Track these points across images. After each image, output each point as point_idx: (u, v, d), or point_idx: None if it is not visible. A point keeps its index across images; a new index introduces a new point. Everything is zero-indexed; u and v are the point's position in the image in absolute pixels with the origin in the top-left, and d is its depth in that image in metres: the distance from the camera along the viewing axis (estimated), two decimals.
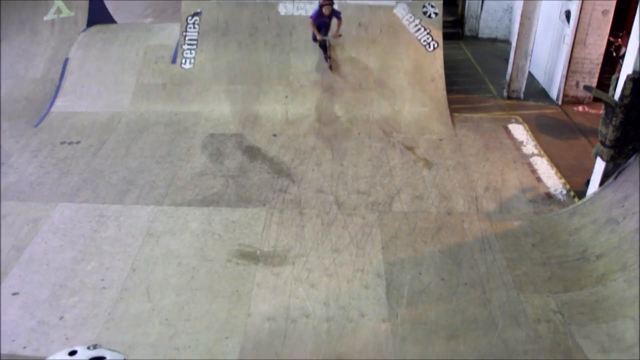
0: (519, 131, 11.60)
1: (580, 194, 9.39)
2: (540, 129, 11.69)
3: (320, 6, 11.93)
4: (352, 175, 10.03)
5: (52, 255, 8.37)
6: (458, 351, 6.86)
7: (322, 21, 12.30)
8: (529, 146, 11.06)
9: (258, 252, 8.37)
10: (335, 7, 12.27)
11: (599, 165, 8.82)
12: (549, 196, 9.57)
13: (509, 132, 11.53)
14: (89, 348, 1.76)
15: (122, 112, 12.06)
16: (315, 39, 12.73)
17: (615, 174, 8.62)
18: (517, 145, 11.09)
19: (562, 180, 9.95)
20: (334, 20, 12.41)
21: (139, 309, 7.46)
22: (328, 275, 7.95)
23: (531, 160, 10.61)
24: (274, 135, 11.27)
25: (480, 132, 11.44)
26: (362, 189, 9.68)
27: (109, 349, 1.79)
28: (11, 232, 8.86)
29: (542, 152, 10.81)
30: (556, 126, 11.86)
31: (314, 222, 8.92)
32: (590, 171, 9.17)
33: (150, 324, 7.26)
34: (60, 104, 12.35)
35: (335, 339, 7.06)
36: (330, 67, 12.65)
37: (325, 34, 12.49)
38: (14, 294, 7.76)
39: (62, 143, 11.16)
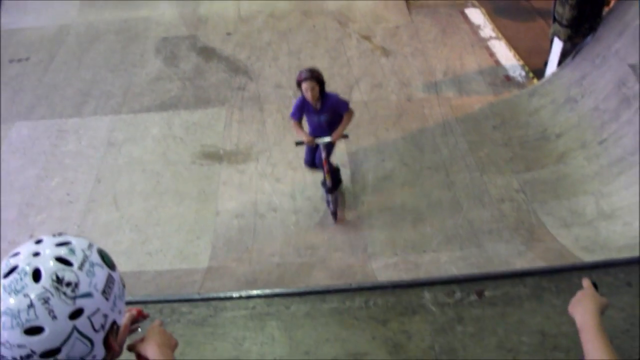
0: (476, 15, 11.49)
1: (539, 75, 9.41)
2: (498, 12, 11.59)
3: (298, 83, 6.78)
4: None
5: (14, 176, 8.26)
6: (425, 233, 7.00)
7: (312, 120, 6.99)
8: (487, 30, 10.99)
9: (221, 151, 8.35)
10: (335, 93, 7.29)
11: (557, 46, 8.82)
12: (507, 78, 9.59)
13: (465, 17, 11.42)
14: (54, 235, 1.76)
15: (70, 23, 11.68)
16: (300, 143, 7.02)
17: (573, 53, 8.64)
18: (475, 29, 11.02)
19: (521, 62, 9.95)
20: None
21: (108, 219, 7.47)
22: (292, 168, 7.98)
23: (489, 43, 10.57)
24: (228, 33, 11.05)
25: (436, 18, 11.31)
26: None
27: (74, 236, 1.80)
28: None
29: (500, 35, 10.75)
30: (513, 9, 11.74)
31: (275, 117, 8.88)
32: (548, 52, 9.18)
33: (120, 232, 7.29)
34: (4, 20, 11.91)
35: (304, 230, 7.17)
36: (335, 216, 7.35)
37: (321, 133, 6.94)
38: None
39: (11, 61, 10.83)
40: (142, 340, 2.06)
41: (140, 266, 6.83)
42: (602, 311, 2.16)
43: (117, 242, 7.14)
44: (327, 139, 6.78)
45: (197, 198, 7.68)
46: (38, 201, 7.85)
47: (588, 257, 6.13)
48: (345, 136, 7.04)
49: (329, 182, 7.04)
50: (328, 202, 7.23)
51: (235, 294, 4.77)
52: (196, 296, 4.91)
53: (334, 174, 7.28)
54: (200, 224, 7.32)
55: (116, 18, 11.68)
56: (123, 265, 6.68)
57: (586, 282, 2.30)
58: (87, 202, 7.75)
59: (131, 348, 2.06)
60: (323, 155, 6.86)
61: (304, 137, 6.79)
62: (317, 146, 6.95)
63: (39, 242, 1.71)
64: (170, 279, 6.60)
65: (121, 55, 10.66)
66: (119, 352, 1.93)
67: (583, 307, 2.17)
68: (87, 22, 11.67)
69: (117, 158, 8.38)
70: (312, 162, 7.25)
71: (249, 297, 4.72)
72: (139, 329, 2.16)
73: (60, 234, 1.77)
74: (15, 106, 9.61)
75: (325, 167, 6.91)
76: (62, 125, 9.10)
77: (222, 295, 4.87)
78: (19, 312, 1.53)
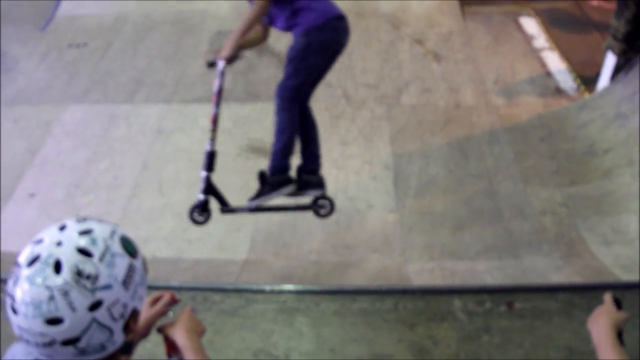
0: (530, 25, 11.36)
1: (590, 88, 9.29)
2: (552, 23, 11.44)
3: None
4: (361, 69, 9.94)
5: (65, 157, 8.48)
6: (464, 241, 6.98)
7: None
8: (540, 40, 10.87)
9: (268, 145, 8.37)
10: None
11: (610, 60, 8.69)
12: (558, 90, 9.49)
13: (519, 26, 11.31)
14: (78, 221, 1.84)
15: (128, 12, 11.89)
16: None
17: (626, 68, 8.51)
18: (528, 38, 10.90)
19: (573, 75, 9.82)
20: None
21: (151, 204, 7.62)
22: (337, 167, 8.02)
23: (542, 53, 10.45)
24: None
25: (490, 25, 11.22)
26: (371, 82, 9.63)
27: (97, 221, 1.87)
28: (24, 135, 8.96)
29: (553, 46, 10.61)
30: (569, 20, 11.57)
31: (322, 116, 8.87)
32: (601, 66, 9.05)
33: (163, 218, 7.42)
34: (65, 6, 12.17)
35: (343, 229, 7.20)
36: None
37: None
38: (30, 195, 7.93)
39: (70, 46, 11.08)
40: (171, 324, 2.14)
41: (180, 253, 6.96)
42: (620, 327, 2.17)
43: (158, 227, 7.28)
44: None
45: (240, 190, 7.73)
46: (86, 183, 8.04)
47: (627, 277, 6.06)
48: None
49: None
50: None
51: (267, 287, 4.85)
52: (229, 286, 5.01)
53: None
54: (242, 216, 7.38)
55: (173, 9, 11.85)
56: (163, 250, 6.90)
57: (607, 297, 2.31)
58: (132, 187, 7.91)
59: (160, 330, 2.14)
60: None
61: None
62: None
63: (62, 228, 1.78)
64: (207, 268, 6.71)
65: (176, 46, 10.83)
66: (147, 333, 2.01)
67: (599, 323, 2.19)
68: (144, 12, 11.86)
69: (165, 146, 8.53)
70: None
71: (281, 292, 4.79)
72: (171, 313, 2.24)
73: (85, 219, 1.84)
74: (70, 89, 9.85)
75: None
76: (114, 110, 9.29)
77: (254, 287, 4.96)
78: (40, 303, 1.62)
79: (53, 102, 9.61)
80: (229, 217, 7.32)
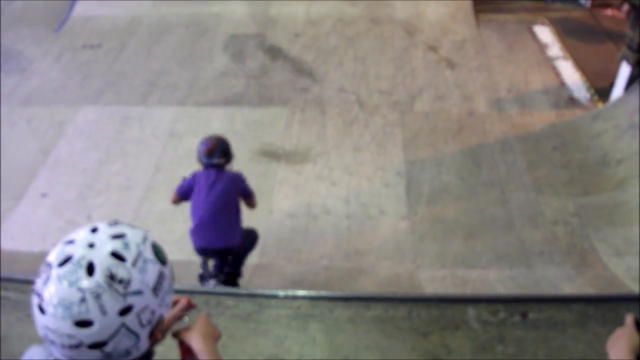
0: (544, 33, 11.36)
1: (604, 98, 9.26)
2: (567, 32, 11.43)
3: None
4: (374, 75, 9.96)
5: (77, 157, 8.53)
6: (475, 249, 6.97)
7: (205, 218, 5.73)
8: (554, 49, 10.85)
9: (280, 150, 8.45)
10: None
11: (624, 70, 8.65)
12: (572, 100, 9.47)
13: (534, 34, 11.30)
14: (110, 225, 1.83)
15: (142, 14, 11.94)
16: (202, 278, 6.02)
17: None
18: (542, 47, 10.89)
19: (586, 84, 9.79)
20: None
21: (163, 207, 7.60)
22: (349, 173, 8.03)
23: (556, 63, 10.43)
24: (296, 35, 11.15)
25: (504, 33, 11.22)
26: (384, 88, 9.64)
27: (129, 225, 1.87)
28: (37, 135, 9.01)
29: (567, 56, 10.60)
30: (583, 30, 11.57)
31: (336, 121, 8.94)
32: (615, 75, 9.03)
33: (174, 221, 7.41)
34: (80, 8, 12.21)
35: (355, 235, 7.21)
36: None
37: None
38: (42, 195, 7.96)
39: (84, 47, 11.14)
40: (187, 329, 2.14)
41: (191, 256, 6.91)
42: (638, 351, 2.16)
43: (170, 230, 7.28)
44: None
45: None
46: (98, 184, 8.08)
47: (638, 288, 6.04)
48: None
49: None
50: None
51: (281, 293, 4.83)
52: (243, 291, 5.01)
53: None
54: (253, 220, 7.37)
55: (187, 12, 11.88)
56: (175, 253, 6.82)
57: (629, 319, 2.29)
58: (144, 190, 7.94)
59: (176, 335, 2.14)
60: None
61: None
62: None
63: (94, 230, 1.77)
64: None
65: (190, 49, 10.86)
66: (162, 338, 2.02)
67: (619, 346, 2.17)
68: (159, 14, 11.90)
69: (178, 149, 8.55)
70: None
71: (295, 297, 4.77)
72: (186, 318, 2.24)
73: (116, 223, 1.83)
74: (84, 90, 9.90)
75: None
76: (128, 112, 9.33)
77: (268, 292, 4.94)
78: (71, 304, 1.61)
79: (66, 102, 9.65)
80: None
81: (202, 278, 5.90)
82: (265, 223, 7.34)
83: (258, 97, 9.54)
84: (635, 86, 8.44)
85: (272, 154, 8.38)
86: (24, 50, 11.19)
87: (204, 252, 5.79)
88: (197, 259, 6.13)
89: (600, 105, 9.13)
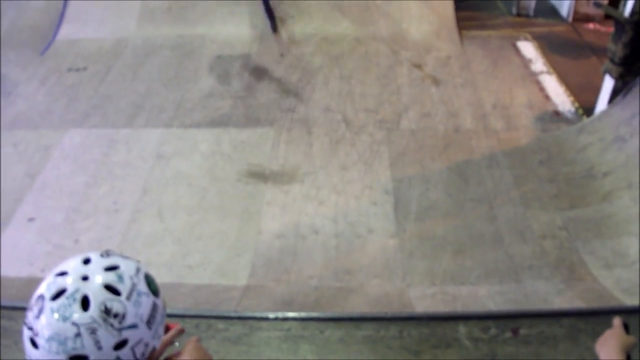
0: (528, 49, 11.45)
1: (589, 111, 9.32)
2: (550, 46, 11.54)
3: None
4: (360, 94, 9.99)
5: (64, 181, 8.48)
6: (465, 266, 6.98)
7: None
8: (538, 64, 10.94)
9: (267, 171, 8.44)
10: None
11: (608, 83, 8.73)
12: (557, 114, 9.53)
13: (517, 50, 11.39)
14: (102, 255, 1.81)
15: (128, 36, 11.96)
16: None
17: (624, 92, 8.55)
18: (526, 63, 10.98)
19: (571, 98, 9.87)
20: None
21: (151, 230, 7.60)
22: (336, 192, 8.03)
23: (540, 78, 10.51)
24: (281, 55, 11.19)
25: (488, 49, 11.30)
26: (370, 107, 9.66)
27: (121, 256, 1.84)
28: (23, 159, 8.95)
29: (551, 70, 10.70)
30: (566, 44, 11.68)
31: (322, 141, 8.95)
32: (599, 89, 9.11)
33: (163, 243, 7.41)
34: (65, 31, 12.23)
35: (344, 254, 7.20)
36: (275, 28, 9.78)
37: None
38: (29, 219, 7.90)
39: (69, 70, 11.13)
40: (178, 354, 2.11)
41: (180, 278, 6.93)
42: (629, 351, 2.16)
43: (159, 253, 7.26)
44: None
45: (240, 216, 7.77)
46: (85, 207, 8.03)
47: (629, 300, 6.05)
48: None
49: None
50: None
51: (271, 315, 4.81)
52: (233, 314, 4.97)
53: None
54: (242, 242, 7.40)
55: (173, 34, 11.91)
56: (163, 276, 6.84)
57: (617, 322, 2.30)
58: (132, 212, 7.89)
59: None
60: None
61: None
62: None
63: (87, 261, 1.74)
64: (208, 294, 6.68)
65: (175, 71, 10.86)
66: None
67: (609, 345, 2.17)
68: (144, 36, 11.92)
69: (165, 171, 8.53)
70: None
71: (285, 319, 4.75)
72: (177, 344, 2.22)
73: (108, 254, 1.81)
74: (70, 114, 9.86)
75: None
76: (114, 135, 9.30)
77: (258, 315, 4.92)
78: (65, 339, 1.57)
79: (52, 126, 9.60)
80: (229, 243, 7.35)
81: None
82: (254, 244, 7.33)
83: (244, 118, 9.54)
84: (619, 99, 8.50)
85: (259, 175, 8.37)
86: (9, 73, 11.16)
87: None
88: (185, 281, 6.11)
89: (584, 119, 9.17)
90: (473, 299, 6.42)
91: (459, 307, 6.23)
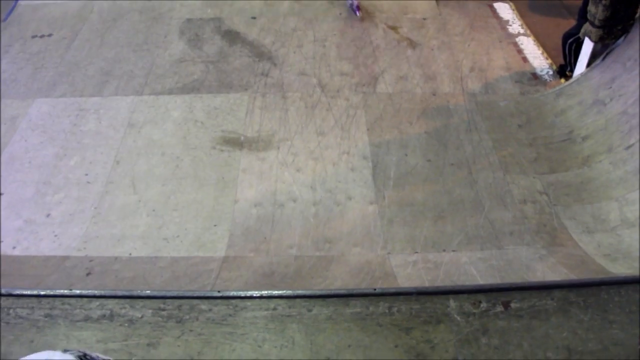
0: (504, 10, 11.30)
1: (566, 74, 9.28)
2: (527, 7, 11.37)
3: None
4: (335, 57, 9.80)
5: (33, 153, 8.24)
6: (445, 232, 6.92)
7: None
8: (515, 25, 10.80)
9: (242, 137, 8.27)
10: None
11: (587, 46, 8.65)
12: (535, 76, 9.43)
13: (494, 11, 11.23)
14: (79, 358, 1.66)
15: (93, 0, 11.61)
16: None
17: (604, 55, 8.49)
18: (503, 24, 10.83)
19: (549, 61, 9.77)
20: None
21: (125, 202, 7.43)
22: (314, 158, 7.91)
23: (517, 39, 10.38)
24: (253, 17, 10.92)
25: (465, 11, 11.12)
26: (346, 70, 9.49)
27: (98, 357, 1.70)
28: None
29: (529, 32, 10.55)
30: (543, 5, 11.50)
31: (298, 105, 8.78)
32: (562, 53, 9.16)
33: (137, 215, 7.25)
34: None
35: (323, 222, 7.10)
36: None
37: None
38: None
39: (34, 37, 10.77)
40: None
41: (157, 251, 6.79)
42: None
43: (133, 225, 7.11)
44: None
45: (216, 184, 7.62)
46: (56, 180, 7.81)
47: (610, 265, 6.05)
48: None
49: None
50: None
51: (256, 293, 4.70)
52: (216, 294, 4.85)
53: None
54: (219, 211, 7.27)
55: None
56: (139, 249, 6.74)
57: None
58: (105, 184, 7.71)
59: None
60: None
61: None
62: None
63: None
64: (186, 266, 6.56)
65: (144, 35, 10.56)
66: None
67: None
68: None
69: (137, 140, 8.32)
70: None
71: (270, 297, 4.65)
72: None
73: (85, 356, 1.68)
74: (36, 83, 9.55)
75: None
76: (83, 104, 9.03)
77: (242, 294, 4.80)
78: None
79: (18, 96, 9.29)
80: (206, 213, 7.21)
81: None
82: (231, 213, 7.21)
83: (217, 83, 9.32)
84: (599, 62, 8.45)
85: (234, 142, 8.20)
86: None
87: None
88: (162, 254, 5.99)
89: (563, 82, 9.10)
90: (455, 265, 6.38)
91: (441, 275, 6.18)
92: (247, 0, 11.33)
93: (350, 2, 8.90)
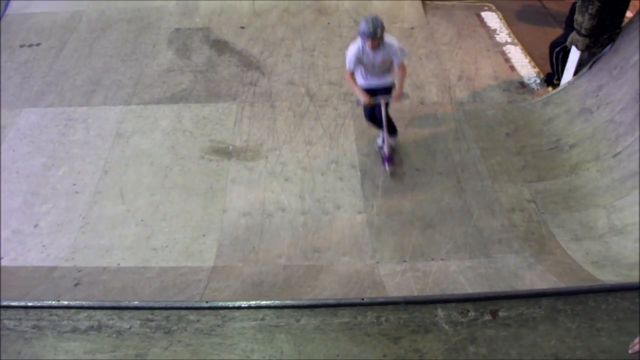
0: (492, 19, 11.37)
1: (553, 83, 9.34)
2: (515, 16, 11.45)
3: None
4: (323, 66, 9.83)
5: (21, 163, 8.20)
6: (434, 241, 6.93)
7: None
8: (503, 34, 10.86)
9: (230, 147, 8.27)
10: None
11: (574, 55, 8.71)
12: (522, 85, 9.48)
13: (482, 20, 11.30)
14: None
15: (82, 10, 11.59)
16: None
17: (590, 63, 8.54)
18: (491, 33, 10.89)
19: (536, 69, 9.83)
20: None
21: (114, 212, 7.41)
22: (302, 168, 7.91)
23: (505, 48, 10.44)
24: (242, 27, 10.95)
25: (452, 20, 11.18)
26: (334, 79, 9.51)
27: None
28: None
29: (516, 41, 10.62)
30: (531, 14, 11.60)
31: (286, 115, 8.80)
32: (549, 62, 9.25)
33: (126, 226, 7.23)
34: (16, 4, 11.81)
35: (311, 232, 7.09)
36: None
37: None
38: None
39: (22, 46, 10.75)
40: None
41: (145, 261, 6.76)
42: None
43: (122, 236, 7.08)
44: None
45: (204, 194, 7.61)
46: (44, 190, 7.78)
47: (598, 273, 6.06)
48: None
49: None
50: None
51: (244, 304, 4.69)
52: (204, 304, 4.84)
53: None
54: (207, 221, 7.25)
55: (129, 6, 11.58)
56: (128, 260, 6.71)
57: None
58: (93, 194, 7.68)
59: None
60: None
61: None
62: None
63: None
64: (174, 277, 6.53)
65: (133, 45, 10.56)
66: None
67: None
68: (99, 9, 11.58)
69: (125, 150, 8.31)
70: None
71: (259, 308, 4.64)
72: None
73: None
74: (24, 92, 9.53)
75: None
76: (71, 113, 9.01)
77: (230, 304, 4.79)
78: None
79: (6, 105, 9.26)
80: (194, 222, 7.19)
81: None
82: (219, 223, 7.20)
83: (206, 93, 9.33)
84: (585, 71, 8.50)
85: (223, 151, 8.20)
86: None
87: None
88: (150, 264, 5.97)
89: (550, 90, 9.14)
90: (444, 274, 6.38)
91: (430, 284, 6.18)
92: (236, 10, 11.34)
93: (381, 146, 7.91)
